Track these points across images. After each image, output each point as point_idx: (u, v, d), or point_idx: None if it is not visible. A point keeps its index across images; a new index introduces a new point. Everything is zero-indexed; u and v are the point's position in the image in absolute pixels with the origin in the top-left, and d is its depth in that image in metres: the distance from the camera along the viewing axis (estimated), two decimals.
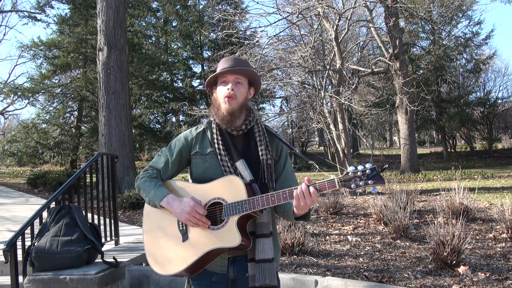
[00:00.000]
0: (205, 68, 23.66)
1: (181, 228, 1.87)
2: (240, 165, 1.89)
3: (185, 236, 1.85)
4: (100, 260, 3.67)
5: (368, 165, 1.68)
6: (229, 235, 1.78)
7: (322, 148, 30.27)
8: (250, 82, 2.01)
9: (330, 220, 6.19)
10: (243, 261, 1.88)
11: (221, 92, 1.94)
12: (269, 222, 1.90)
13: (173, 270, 1.84)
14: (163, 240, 1.90)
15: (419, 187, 9.14)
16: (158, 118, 25.25)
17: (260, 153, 1.93)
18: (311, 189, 1.70)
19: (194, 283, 1.92)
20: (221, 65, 1.97)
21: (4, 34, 59.80)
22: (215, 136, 1.96)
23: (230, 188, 1.83)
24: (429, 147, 38.45)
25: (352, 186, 1.68)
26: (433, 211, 6.13)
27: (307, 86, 11.54)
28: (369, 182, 1.67)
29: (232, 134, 1.97)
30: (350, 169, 1.71)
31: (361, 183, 1.67)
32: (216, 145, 1.94)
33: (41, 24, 44.11)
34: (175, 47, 24.57)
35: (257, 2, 16.06)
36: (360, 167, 1.69)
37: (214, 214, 1.85)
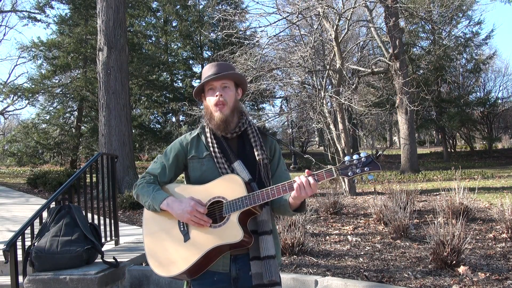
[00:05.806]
0: None
1: (182, 228, 1.87)
2: (238, 166, 1.92)
3: (186, 236, 1.85)
4: (100, 260, 3.68)
5: (363, 154, 1.76)
6: (231, 231, 1.79)
7: (322, 148, 30.25)
8: (236, 84, 2.04)
9: (330, 220, 6.19)
10: (245, 259, 1.89)
11: (211, 100, 1.98)
12: (269, 220, 1.93)
13: (175, 271, 1.84)
14: (164, 242, 1.89)
15: (419, 187, 9.14)
16: (158, 118, 25.29)
17: (256, 154, 1.97)
18: (311, 180, 1.76)
19: (195, 283, 1.91)
20: (206, 73, 2.00)
21: (4, 34, 60.04)
22: (209, 140, 1.99)
23: (229, 186, 1.85)
24: (429, 147, 38.44)
25: (349, 173, 1.75)
26: (433, 211, 6.12)
27: (307, 86, 11.52)
28: (365, 169, 1.74)
29: (226, 137, 2.00)
30: (346, 158, 1.78)
31: (357, 170, 1.75)
32: (212, 149, 1.96)
33: (41, 25, 44.08)
34: (175, 47, 24.58)
35: (257, 2, 16.07)
36: (355, 156, 1.77)
37: (214, 212, 1.86)
